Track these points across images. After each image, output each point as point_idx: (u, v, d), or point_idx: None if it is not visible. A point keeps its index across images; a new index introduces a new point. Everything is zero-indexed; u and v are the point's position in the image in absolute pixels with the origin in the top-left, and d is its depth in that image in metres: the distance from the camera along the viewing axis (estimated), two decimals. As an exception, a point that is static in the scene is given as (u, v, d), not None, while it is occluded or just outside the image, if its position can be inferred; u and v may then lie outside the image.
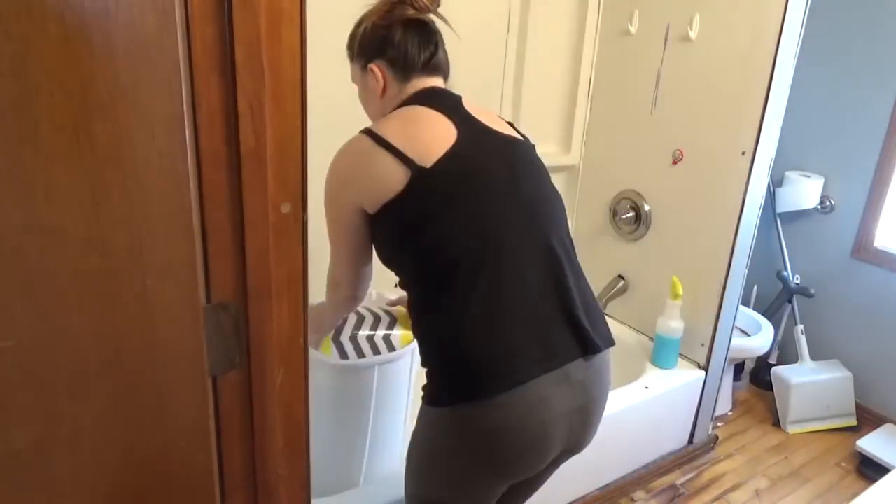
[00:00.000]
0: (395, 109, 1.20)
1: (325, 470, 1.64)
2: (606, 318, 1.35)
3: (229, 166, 0.66)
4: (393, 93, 1.24)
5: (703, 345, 2.28)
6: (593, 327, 1.16)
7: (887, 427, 2.52)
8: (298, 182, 0.71)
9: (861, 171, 2.60)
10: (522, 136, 1.26)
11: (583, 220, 2.67)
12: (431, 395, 1.13)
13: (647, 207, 2.39)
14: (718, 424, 2.61)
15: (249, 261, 0.70)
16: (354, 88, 1.30)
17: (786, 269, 2.78)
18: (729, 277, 2.15)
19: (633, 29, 2.31)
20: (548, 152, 2.39)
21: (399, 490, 1.62)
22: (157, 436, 0.71)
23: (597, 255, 2.61)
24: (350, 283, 1.27)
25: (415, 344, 1.64)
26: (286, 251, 0.73)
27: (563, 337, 1.12)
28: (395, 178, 1.09)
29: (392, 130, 1.12)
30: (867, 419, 2.64)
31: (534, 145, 1.26)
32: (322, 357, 1.53)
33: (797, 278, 2.79)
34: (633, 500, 2.18)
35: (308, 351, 0.80)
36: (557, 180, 2.31)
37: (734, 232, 2.09)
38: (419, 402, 1.17)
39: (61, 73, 0.55)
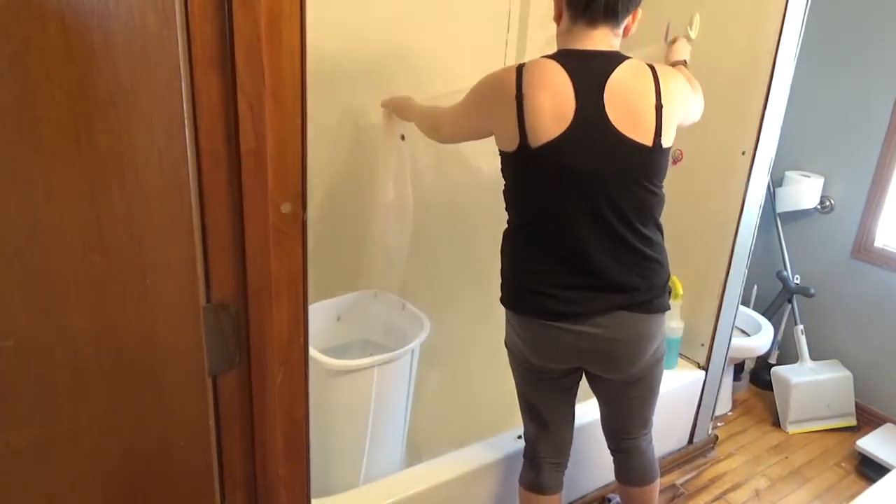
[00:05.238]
0: (559, 48, 1.30)
1: (325, 470, 1.64)
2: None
3: (229, 166, 0.66)
4: (563, 28, 1.30)
5: (702, 345, 2.27)
6: (618, 292, 1.34)
7: (887, 427, 2.51)
8: (298, 182, 0.71)
9: (861, 170, 2.59)
10: (658, 128, 1.27)
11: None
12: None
13: (647, 207, 2.38)
14: (718, 424, 2.60)
15: (249, 261, 0.70)
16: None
17: (786, 268, 2.78)
18: (729, 277, 2.15)
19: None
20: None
21: (399, 490, 1.62)
22: (157, 436, 0.71)
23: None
24: (444, 140, 1.54)
25: (413, 345, 1.65)
26: (286, 251, 0.73)
27: (580, 294, 1.35)
28: (511, 138, 1.25)
29: (532, 84, 1.22)
30: (867, 419, 2.64)
31: (650, 146, 1.28)
32: (322, 358, 1.53)
33: (797, 278, 2.79)
34: (633, 499, 2.17)
35: (308, 351, 0.80)
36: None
37: (734, 232, 2.09)
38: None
39: (61, 73, 0.54)
